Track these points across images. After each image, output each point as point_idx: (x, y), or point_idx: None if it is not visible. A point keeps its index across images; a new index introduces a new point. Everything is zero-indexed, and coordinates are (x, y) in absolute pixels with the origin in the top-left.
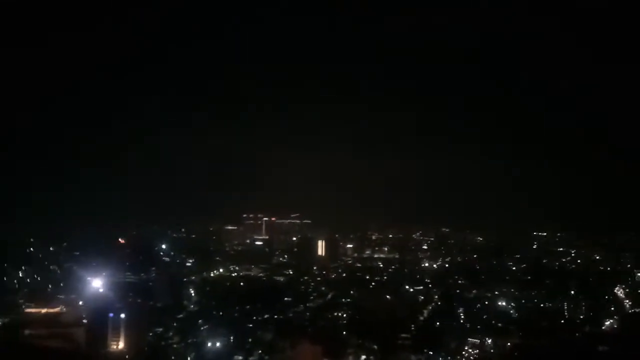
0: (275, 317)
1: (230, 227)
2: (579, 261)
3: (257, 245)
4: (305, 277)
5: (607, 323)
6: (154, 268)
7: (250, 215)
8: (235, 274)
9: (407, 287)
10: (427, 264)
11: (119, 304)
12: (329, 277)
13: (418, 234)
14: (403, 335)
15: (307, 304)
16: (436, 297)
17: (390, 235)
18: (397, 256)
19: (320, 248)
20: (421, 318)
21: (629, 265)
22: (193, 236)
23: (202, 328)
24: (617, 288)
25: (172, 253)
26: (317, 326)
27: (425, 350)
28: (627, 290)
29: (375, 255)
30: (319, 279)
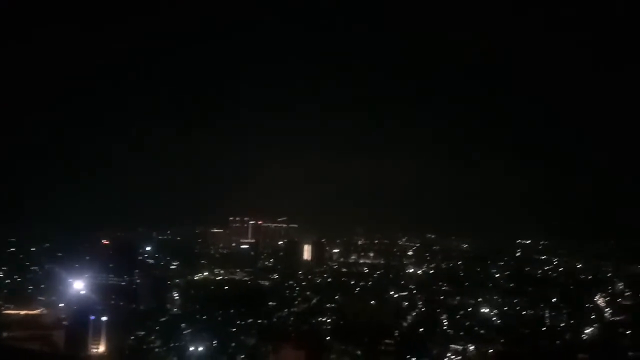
0: (259, 321)
1: (216, 230)
2: (561, 269)
3: (243, 248)
4: (291, 282)
5: (588, 331)
6: (137, 271)
7: (237, 219)
8: (220, 277)
9: (391, 292)
10: (412, 270)
11: (100, 307)
12: (314, 281)
13: (404, 239)
14: (387, 340)
15: (292, 309)
16: (420, 303)
17: (376, 241)
18: (382, 262)
19: (306, 252)
20: (405, 324)
21: (609, 274)
22: (178, 239)
23: (184, 332)
24: (597, 296)
25: (157, 255)
26: (301, 331)
27: (408, 357)
28: (607, 298)
29: (361, 261)
30: (304, 283)
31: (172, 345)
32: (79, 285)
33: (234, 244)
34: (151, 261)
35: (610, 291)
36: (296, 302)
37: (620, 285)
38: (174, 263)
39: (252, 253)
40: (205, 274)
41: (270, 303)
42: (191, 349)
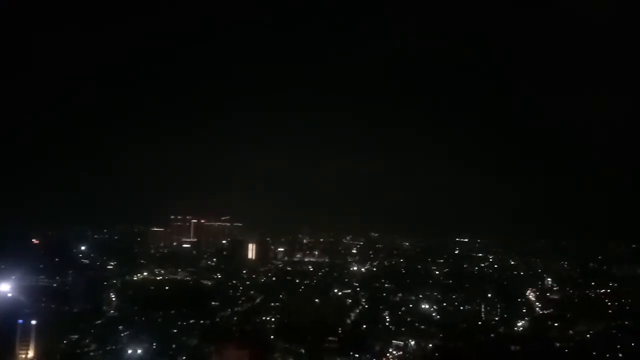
0: (202, 322)
1: (156, 229)
2: (495, 266)
3: (185, 247)
4: (234, 281)
5: (520, 324)
6: (70, 271)
7: (178, 217)
8: (161, 277)
9: (336, 290)
10: (355, 268)
11: (29, 310)
12: (258, 280)
13: (348, 238)
14: (330, 338)
15: (235, 308)
16: (363, 300)
17: (321, 239)
18: (327, 260)
19: (251, 251)
20: (348, 321)
21: (539, 270)
22: (116, 237)
23: (122, 334)
24: (528, 291)
25: (92, 255)
26: (245, 331)
27: (352, 353)
28: (538, 293)
29: (306, 259)
30: (248, 282)
31: (108, 348)
32: (5, 288)
33: (175, 243)
34: (86, 261)
35: (540, 286)
36: (240, 302)
37: (549, 281)
38: (111, 263)
39: (194, 252)
40: (145, 274)
41: (213, 303)
42: (129, 352)
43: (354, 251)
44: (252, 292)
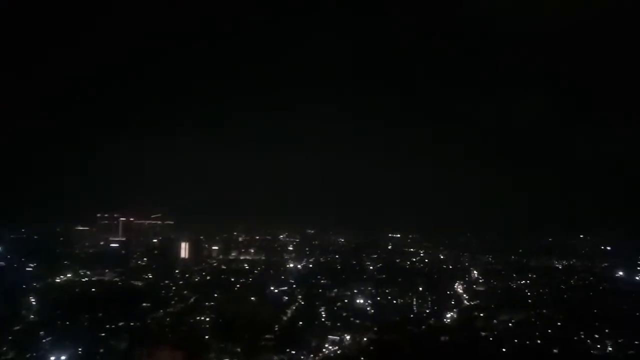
0: (132, 324)
1: (81, 228)
2: (426, 260)
3: (113, 247)
4: (166, 281)
5: (448, 315)
6: None
7: (105, 215)
8: (87, 279)
9: (272, 288)
10: (292, 265)
11: None
12: (192, 280)
13: (284, 235)
14: (266, 336)
15: (168, 309)
16: (300, 297)
17: (257, 237)
18: (263, 258)
19: (184, 250)
20: (285, 318)
21: (467, 264)
22: (36, 237)
23: (44, 340)
24: (457, 284)
25: (9, 257)
26: (178, 331)
27: (288, 350)
28: (465, 286)
29: (242, 257)
30: (181, 282)
31: (28, 356)
32: None
33: (102, 243)
34: (2, 263)
35: (467, 279)
36: (172, 302)
37: (475, 274)
38: (31, 265)
39: (123, 252)
40: (69, 275)
41: (144, 304)
42: (52, 358)
43: (290, 248)
44: (185, 292)
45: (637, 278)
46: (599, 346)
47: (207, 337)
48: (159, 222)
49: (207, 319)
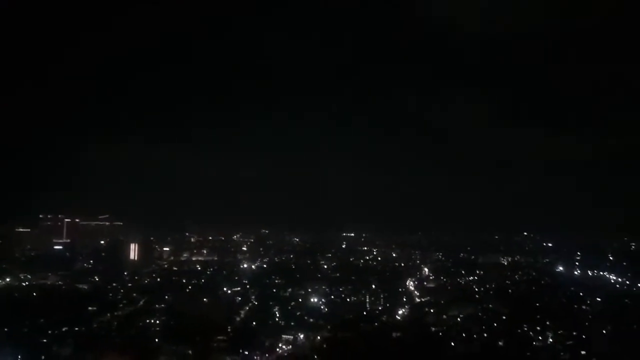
0: (76, 329)
1: (22, 230)
2: (379, 259)
3: (57, 249)
4: (114, 284)
5: (400, 312)
6: None
7: (49, 216)
8: (27, 283)
9: (225, 289)
10: (245, 265)
11: None
12: (141, 282)
13: (238, 235)
14: (219, 337)
15: (116, 312)
16: (253, 297)
17: (210, 237)
18: (216, 258)
19: (133, 252)
20: (238, 319)
21: (418, 262)
22: None
23: None
24: (408, 281)
25: None
26: (126, 335)
27: (241, 351)
28: (416, 283)
29: (194, 258)
30: (130, 285)
31: None
32: None
33: (45, 245)
34: None
35: (418, 276)
36: (121, 305)
37: (426, 271)
38: None
39: (67, 254)
40: (8, 280)
41: (90, 308)
42: None
43: (244, 248)
44: (134, 294)
45: (575, 273)
46: (540, 337)
47: (157, 340)
48: (107, 223)
49: (157, 321)
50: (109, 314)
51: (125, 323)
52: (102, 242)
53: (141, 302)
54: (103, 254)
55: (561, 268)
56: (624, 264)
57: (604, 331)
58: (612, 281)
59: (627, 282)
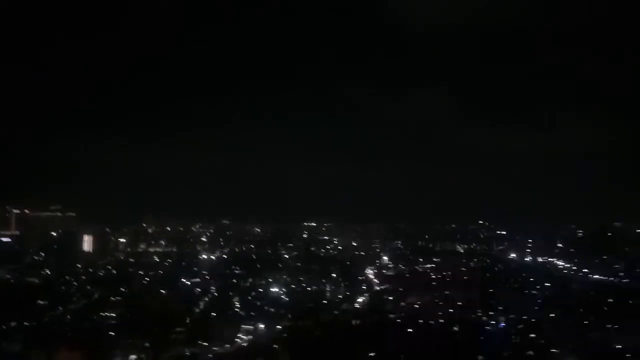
0: (26, 324)
1: None
2: (340, 248)
3: (4, 242)
4: (67, 277)
5: (360, 300)
6: None
7: None
8: None
9: (184, 280)
10: (205, 256)
11: None
12: (96, 274)
13: (197, 226)
14: (177, 329)
15: (69, 306)
16: (213, 288)
17: (169, 228)
18: (174, 249)
19: (87, 243)
20: (197, 310)
21: (377, 250)
22: None
23: None
24: (368, 270)
25: None
26: (80, 329)
27: (200, 342)
28: (376, 271)
29: (152, 249)
30: (83, 277)
31: None
32: None
33: None
34: None
35: (378, 264)
36: (74, 299)
37: (385, 259)
38: None
39: (16, 247)
40: None
41: (40, 302)
42: None
43: (204, 239)
44: (88, 287)
45: (526, 259)
46: (493, 322)
47: (112, 333)
48: (59, 214)
49: (113, 314)
50: (61, 308)
51: (79, 317)
52: (54, 233)
53: (95, 295)
54: (55, 246)
55: (513, 255)
56: (571, 250)
57: (552, 315)
58: (560, 267)
59: (574, 268)
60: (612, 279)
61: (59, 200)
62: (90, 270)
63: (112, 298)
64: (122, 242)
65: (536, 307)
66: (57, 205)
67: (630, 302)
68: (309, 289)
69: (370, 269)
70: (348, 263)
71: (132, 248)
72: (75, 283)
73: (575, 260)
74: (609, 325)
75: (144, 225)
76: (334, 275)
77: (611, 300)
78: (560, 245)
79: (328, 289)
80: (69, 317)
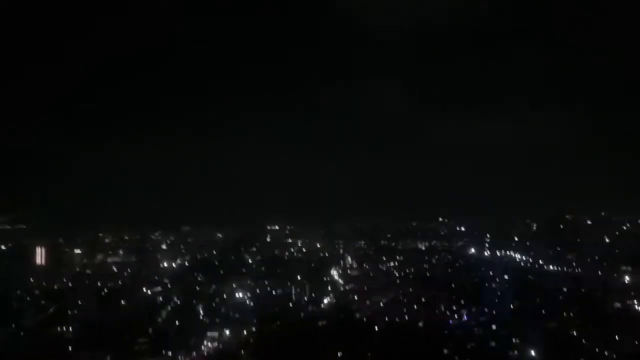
0: None
1: None
2: (304, 250)
3: None
4: (18, 292)
5: (326, 301)
6: None
7: None
8: None
9: (144, 289)
10: (166, 264)
11: None
12: (50, 288)
13: (157, 234)
14: (140, 340)
15: (22, 323)
16: (175, 296)
17: (127, 237)
18: (133, 259)
19: (39, 256)
20: (160, 320)
21: (341, 251)
22: None
23: None
24: (333, 270)
25: None
26: (35, 346)
27: (164, 352)
28: (340, 271)
29: (109, 260)
30: (37, 291)
31: None
32: None
33: None
34: None
35: (342, 265)
36: (28, 315)
37: (350, 259)
38: None
39: None
40: None
41: None
42: None
43: (164, 247)
44: (42, 302)
45: (485, 254)
46: (456, 316)
47: (70, 348)
48: (8, 226)
49: (71, 328)
50: (13, 325)
51: (34, 333)
52: (3, 247)
53: (51, 310)
54: (4, 260)
55: (473, 250)
56: (527, 244)
57: (512, 306)
58: (517, 260)
59: (530, 261)
60: (566, 269)
61: (6, 212)
62: (44, 284)
63: (69, 312)
64: (78, 253)
65: (496, 300)
66: (5, 217)
67: (583, 290)
68: (275, 292)
69: (335, 270)
70: (313, 265)
71: (88, 259)
72: (28, 298)
73: (531, 252)
74: (565, 314)
75: (100, 235)
76: (299, 277)
77: (565, 289)
78: (516, 238)
79: (294, 291)
80: (22, 334)
